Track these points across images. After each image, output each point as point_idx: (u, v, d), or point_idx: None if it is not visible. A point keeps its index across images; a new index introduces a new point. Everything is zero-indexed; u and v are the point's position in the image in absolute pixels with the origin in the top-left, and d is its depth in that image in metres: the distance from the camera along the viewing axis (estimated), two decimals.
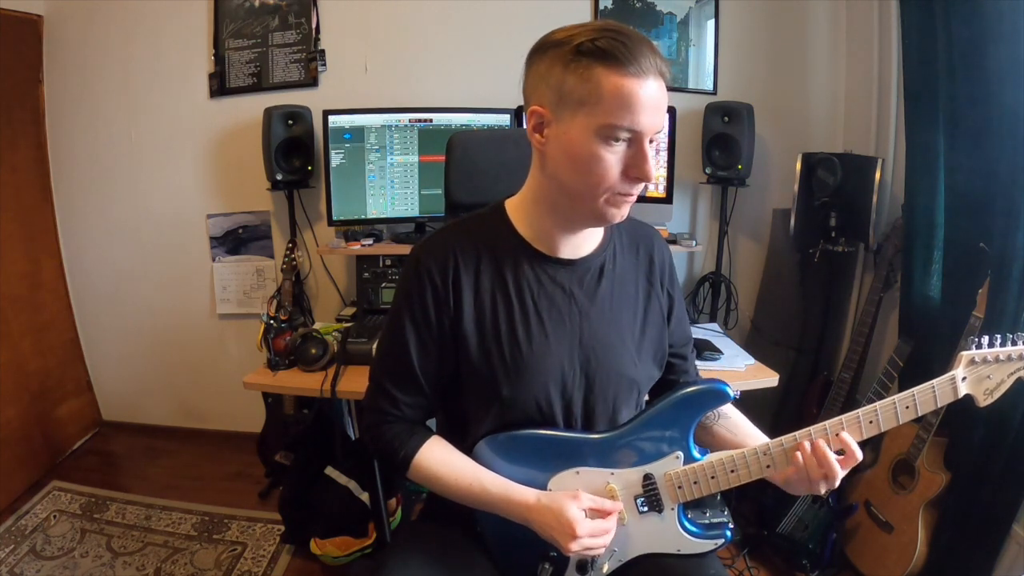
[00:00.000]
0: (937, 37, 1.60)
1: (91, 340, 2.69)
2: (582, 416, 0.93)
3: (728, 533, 0.94)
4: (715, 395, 0.91)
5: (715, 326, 2.06)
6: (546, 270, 0.92)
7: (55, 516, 2.11)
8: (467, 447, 0.94)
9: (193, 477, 2.38)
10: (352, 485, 1.91)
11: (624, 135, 0.78)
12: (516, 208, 0.94)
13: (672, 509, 0.91)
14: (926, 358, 1.69)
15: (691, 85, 2.29)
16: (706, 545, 0.93)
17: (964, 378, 0.80)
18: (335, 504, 1.88)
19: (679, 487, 0.89)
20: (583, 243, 0.94)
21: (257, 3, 2.29)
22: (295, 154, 2.22)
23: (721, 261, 2.29)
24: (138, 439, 2.67)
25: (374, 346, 1.70)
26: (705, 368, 1.67)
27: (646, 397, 1.02)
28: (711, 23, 2.25)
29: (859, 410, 0.83)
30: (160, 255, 2.54)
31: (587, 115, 0.78)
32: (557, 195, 0.87)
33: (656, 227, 2.24)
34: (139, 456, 2.58)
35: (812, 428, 0.84)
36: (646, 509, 0.91)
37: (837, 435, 0.82)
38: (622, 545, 0.92)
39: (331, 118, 2.11)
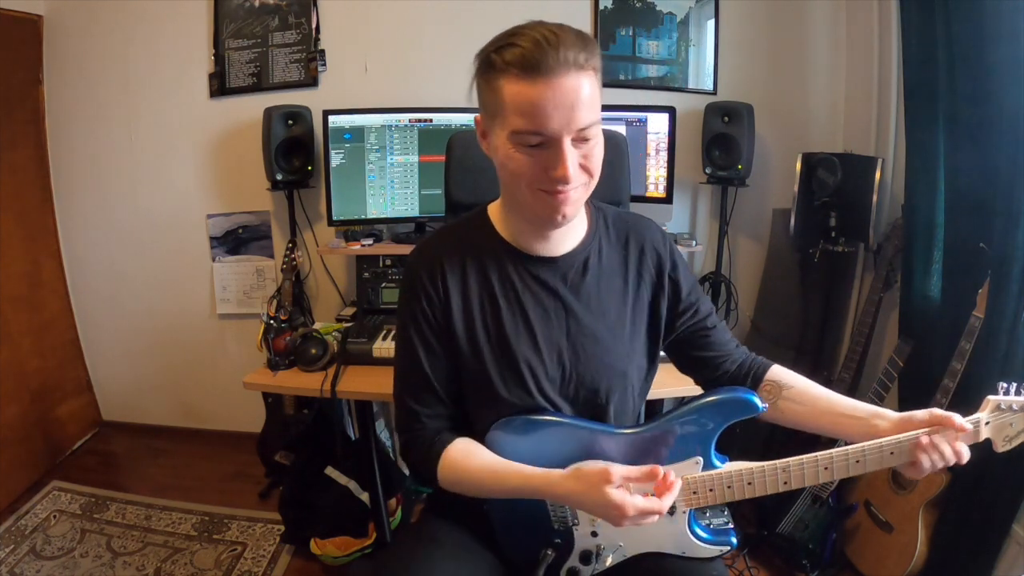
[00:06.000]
0: (937, 37, 1.60)
1: (91, 340, 2.69)
2: (577, 410, 0.94)
3: (733, 540, 0.93)
4: (741, 405, 0.87)
5: None
6: (529, 269, 0.93)
7: (55, 516, 2.11)
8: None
9: (193, 477, 2.38)
10: (352, 485, 1.91)
11: (535, 139, 0.78)
12: (497, 211, 0.96)
13: (684, 512, 0.91)
14: (926, 358, 1.68)
15: (691, 85, 2.29)
16: (711, 551, 0.93)
17: (988, 423, 0.80)
18: (335, 504, 1.88)
19: (694, 492, 0.88)
20: (563, 239, 0.94)
21: (257, 3, 2.29)
22: (295, 154, 2.21)
23: (721, 261, 2.29)
24: (138, 439, 2.68)
25: (374, 346, 1.71)
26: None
27: (647, 390, 1.03)
28: (711, 23, 2.25)
29: (881, 439, 0.82)
30: (160, 255, 2.54)
31: (500, 125, 0.80)
32: (510, 196, 0.90)
33: None
34: (139, 456, 2.58)
35: (846, 448, 0.82)
36: None
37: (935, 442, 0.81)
38: (628, 540, 0.93)
39: (331, 118, 2.11)
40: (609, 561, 0.92)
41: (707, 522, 1.94)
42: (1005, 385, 0.80)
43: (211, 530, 2.06)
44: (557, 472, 0.85)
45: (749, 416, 0.87)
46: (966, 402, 1.52)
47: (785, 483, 0.84)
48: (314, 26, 2.28)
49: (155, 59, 2.36)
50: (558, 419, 0.92)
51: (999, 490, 1.50)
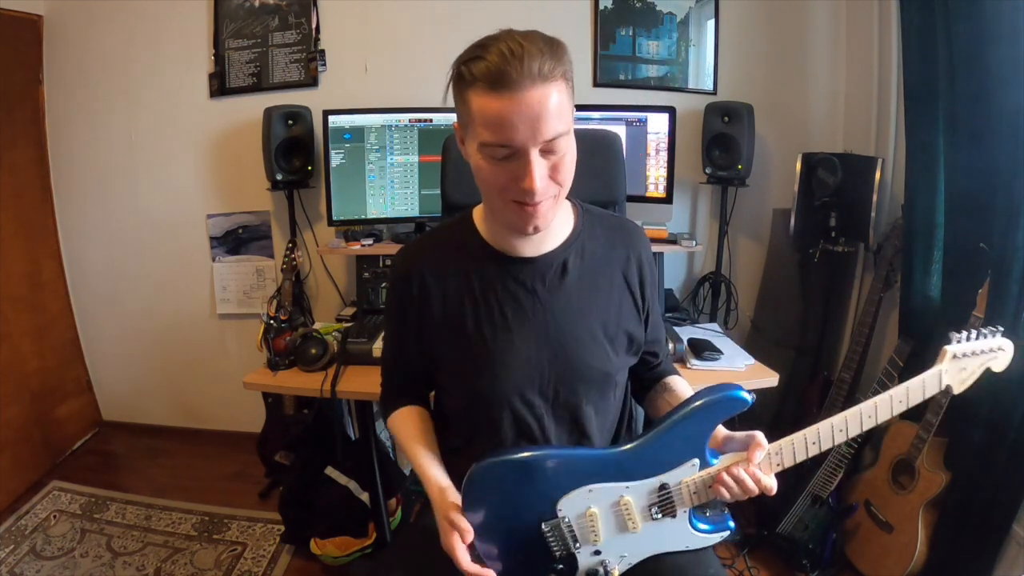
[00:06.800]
0: (937, 37, 1.60)
1: (91, 340, 2.69)
2: (556, 410, 0.95)
3: (731, 523, 0.95)
4: (732, 402, 0.87)
5: (715, 326, 2.06)
6: (508, 270, 0.94)
7: (55, 516, 2.11)
8: (458, 446, 0.98)
9: (193, 477, 2.38)
10: (352, 485, 1.91)
11: (502, 152, 0.79)
12: (480, 213, 0.98)
13: (684, 512, 0.91)
14: (926, 358, 1.68)
15: (691, 85, 2.29)
16: (712, 539, 0.94)
17: (946, 371, 0.88)
18: (335, 504, 1.88)
19: (695, 492, 0.89)
20: (543, 240, 0.95)
21: (257, 3, 2.29)
22: (295, 154, 2.22)
23: (721, 261, 2.29)
24: (138, 439, 2.68)
25: (374, 346, 1.71)
26: (705, 368, 1.67)
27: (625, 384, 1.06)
28: (711, 23, 2.25)
29: (859, 406, 0.87)
30: (160, 255, 2.54)
31: (471, 136, 0.82)
32: (486, 202, 0.92)
33: (656, 227, 2.24)
34: (139, 456, 2.58)
35: (806, 431, 0.87)
36: (660, 516, 0.91)
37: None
38: (632, 549, 0.93)
39: (331, 118, 2.11)
40: (616, 572, 0.92)
41: (707, 515, 1.93)
42: (958, 335, 0.88)
43: (211, 530, 2.06)
44: (443, 481, 0.92)
45: (739, 411, 0.88)
46: (965, 402, 1.52)
47: (779, 464, 0.87)
48: (314, 26, 2.28)
49: (155, 59, 2.36)
50: (545, 452, 0.91)
51: (999, 490, 1.50)
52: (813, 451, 0.87)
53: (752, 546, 1.92)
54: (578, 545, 0.91)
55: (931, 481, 1.59)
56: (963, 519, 1.56)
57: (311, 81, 2.32)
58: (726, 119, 2.10)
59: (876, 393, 1.75)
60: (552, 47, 0.78)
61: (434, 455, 0.98)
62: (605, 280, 0.98)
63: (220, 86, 2.35)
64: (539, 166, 0.80)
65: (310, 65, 2.31)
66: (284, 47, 2.31)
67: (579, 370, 0.95)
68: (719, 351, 1.74)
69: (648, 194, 2.16)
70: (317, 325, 1.95)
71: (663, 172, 2.13)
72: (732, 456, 0.88)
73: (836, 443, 0.88)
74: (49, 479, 2.33)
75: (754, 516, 1.98)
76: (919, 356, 1.70)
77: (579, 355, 0.94)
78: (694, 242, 2.18)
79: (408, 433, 1.02)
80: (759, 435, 0.87)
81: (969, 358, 0.89)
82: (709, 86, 2.28)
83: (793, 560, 1.84)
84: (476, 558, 0.87)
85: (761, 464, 0.86)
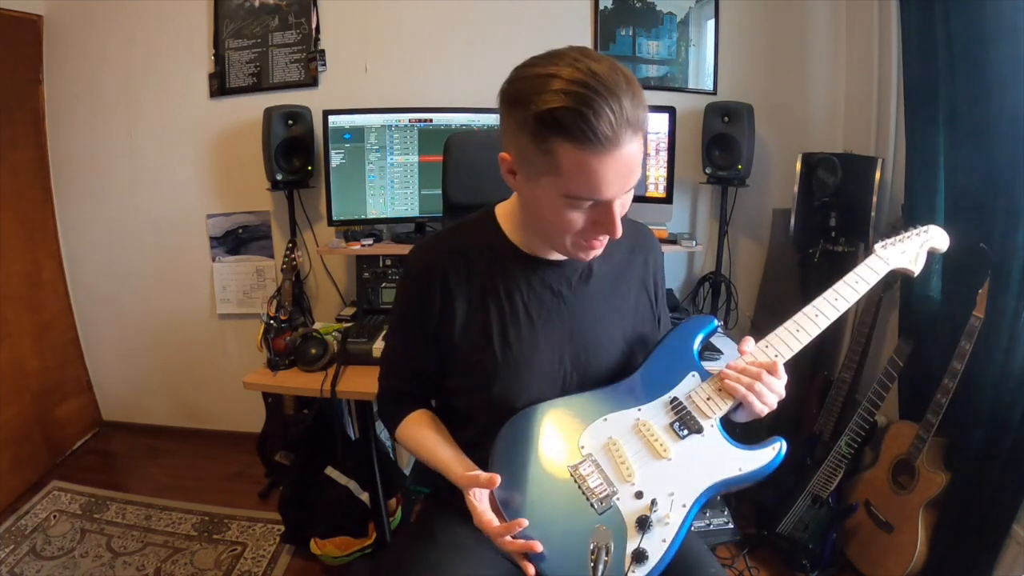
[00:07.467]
0: (937, 37, 1.60)
1: (91, 340, 2.69)
2: None
3: (782, 440, 0.89)
4: (703, 320, 1.01)
5: None
6: (535, 272, 0.95)
7: (55, 516, 2.11)
8: (474, 443, 0.96)
9: (193, 477, 2.38)
10: (352, 485, 1.91)
11: (589, 203, 0.79)
12: (506, 214, 0.97)
13: (712, 426, 0.89)
14: (926, 358, 1.68)
15: (691, 85, 2.29)
16: (766, 454, 0.87)
17: (887, 259, 1.02)
18: (335, 504, 1.88)
19: (708, 399, 0.91)
20: None
21: (257, 3, 2.29)
22: (295, 154, 2.22)
23: (721, 261, 2.29)
24: (138, 439, 2.68)
25: (374, 346, 1.71)
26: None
27: None
28: (711, 23, 2.25)
29: (824, 293, 1.02)
30: (160, 255, 2.54)
31: (550, 184, 0.79)
32: (536, 227, 0.91)
33: (656, 227, 2.24)
34: (139, 456, 2.58)
35: (786, 323, 0.99)
36: (686, 432, 0.89)
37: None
38: (677, 484, 0.85)
39: (331, 118, 2.11)
40: (671, 517, 0.82)
41: (707, 522, 1.94)
42: (883, 240, 1.02)
43: (211, 530, 2.06)
44: (471, 463, 0.92)
45: (710, 327, 1.00)
46: (965, 402, 1.53)
47: (776, 355, 0.96)
48: (314, 26, 2.28)
49: (155, 59, 2.36)
50: (555, 400, 0.93)
51: (999, 490, 1.50)
52: (803, 338, 0.99)
53: (752, 546, 1.92)
54: (615, 491, 0.84)
55: (931, 481, 1.59)
56: (963, 519, 1.56)
57: (311, 81, 2.32)
58: (726, 119, 2.10)
59: (876, 393, 1.77)
60: (628, 80, 0.74)
61: (458, 451, 0.96)
62: (625, 283, 1.00)
63: (220, 86, 2.35)
64: (618, 211, 0.80)
65: (310, 65, 2.31)
66: (284, 47, 2.31)
67: (600, 372, 0.96)
68: (719, 351, 1.74)
69: (648, 194, 2.16)
70: (317, 325, 1.95)
71: (663, 172, 2.13)
72: (727, 361, 0.94)
73: (819, 327, 1.00)
74: (49, 479, 2.33)
75: (754, 516, 1.98)
76: (919, 356, 1.70)
77: (600, 357, 0.96)
78: (694, 242, 2.18)
79: (428, 438, 0.99)
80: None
81: (900, 243, 1.03)
82: (709, 86, 2.28)
83: (793, 560, 1.83)
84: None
85: (756, 354, 0.93)
